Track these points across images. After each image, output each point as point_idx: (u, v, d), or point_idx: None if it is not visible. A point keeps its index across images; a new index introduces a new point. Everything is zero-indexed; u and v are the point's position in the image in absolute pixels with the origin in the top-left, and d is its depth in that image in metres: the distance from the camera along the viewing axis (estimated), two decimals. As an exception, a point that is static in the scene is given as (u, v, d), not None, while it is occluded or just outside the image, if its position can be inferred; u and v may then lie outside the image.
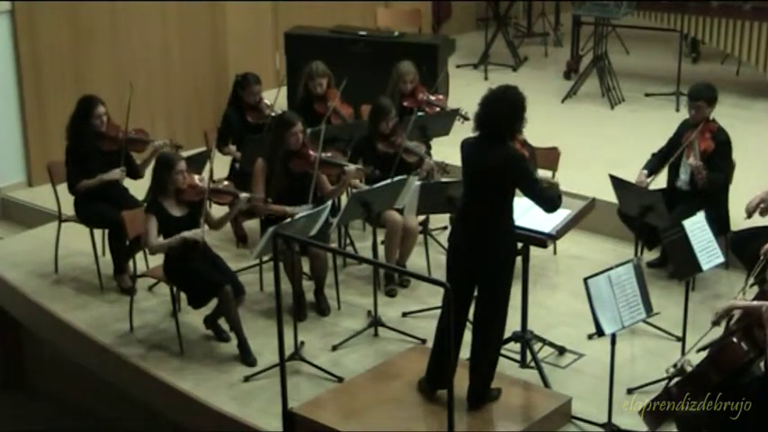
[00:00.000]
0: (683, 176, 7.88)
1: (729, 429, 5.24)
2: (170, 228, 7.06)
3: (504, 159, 5.97)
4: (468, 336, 6.27)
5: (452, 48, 11.11)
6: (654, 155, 8.05)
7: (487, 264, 6.04)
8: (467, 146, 6.18)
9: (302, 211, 7.13)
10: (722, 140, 7.80)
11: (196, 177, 7.25)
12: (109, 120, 8.03)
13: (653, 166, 7.95)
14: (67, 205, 8.18)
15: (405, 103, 8.86)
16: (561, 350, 7.03)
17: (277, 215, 7.37)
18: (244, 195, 7.28)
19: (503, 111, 6.00)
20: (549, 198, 6.18)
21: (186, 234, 7.00)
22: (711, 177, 7.66)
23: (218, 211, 7.60)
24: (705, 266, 6.57)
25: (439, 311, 6.57)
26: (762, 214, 7.23)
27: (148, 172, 8.11)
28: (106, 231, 8.06)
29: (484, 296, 6.14)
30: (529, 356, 6.84)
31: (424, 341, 7.08)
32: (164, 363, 7.11)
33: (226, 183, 7.55)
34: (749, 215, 7.27)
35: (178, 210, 7.12)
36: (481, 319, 6.18)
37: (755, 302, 5.61)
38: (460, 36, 12.66)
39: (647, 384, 6.52)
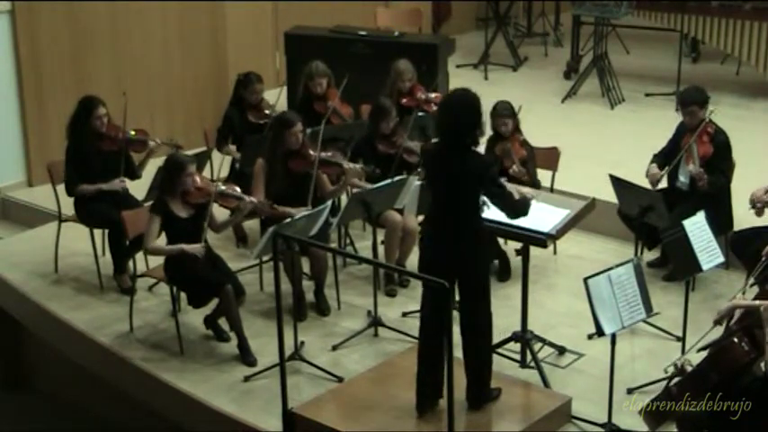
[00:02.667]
0: (683, 179, 7.87)
1: (729, 429, 5.24)
2: (174, 228, 7.06)
3: (471, 167, 5.88)
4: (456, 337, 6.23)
5: (452, 48, 11.11)
6: (655, 155, 8.05)
7: (466, 270, 5.93)
8: (429, 154, 6.12)
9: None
10: (721, 142, 7.79)
11: (198, 179, 7.23)
12: (109, 120, 8.03)
13: (659, 166, 7.92)
14: (67, 205, 8.18)
15: (403, 102, 8.86)
16: (561, 350, 7.02)
17: (279, 217, 7.36)
18: (251, 200, 7.27)
19: (462, 118, 5.89)
20: (513, 206, 6.12)
21: (186, 247, 6.99)
22: (713, 181, 7.65)
23: (221, 212, 7.58)
24: (705, 266, 6.57)
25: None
26: (758, 214, 7.22)
27: (146, 172, 8.15)
28: (106, 231, 8.06)
29: (467, 301, 6.08)
30: (529, 356, 6.83)
31: (424, 341, 7.07)
32: (164, 363, 7.11)
33: (225, 186, 7.53)
34: (753, 206, 7.21)
35: (183, 211, 7.11)
36: (468, 324, 6.13)
37: (757, 302, 5.60)
38: (460, 36, 12.65)
39: (647, 384, 6.52)
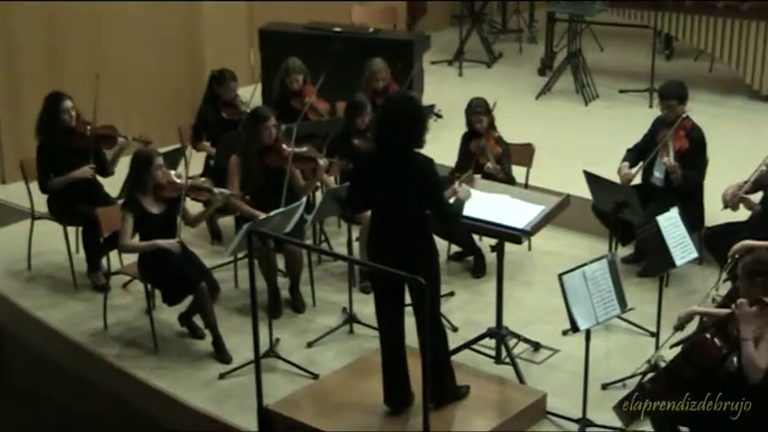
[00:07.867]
0: (658, 174, 7.91)
1: (704, 423, 5.27)
2: (148, 225, 7.04)
3: (419, 168, 5.84)
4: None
5: (427, 44, 11.11)
6: (629, 150, 8.08)
7: (420, 272, 5.52)
8: (370, 160, 6.07)
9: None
10: (696, 138, 7.84)
11: (173, 173, 7.22)
12: (78, 116, 7.98)
13: (631, 161, 7.96)
14: (41, 203, 8.14)
15: (378, 101, 8.84)
16: (536, 346, 7.04)
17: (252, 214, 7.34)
18: (221, 192, 7.26)
19: (411, 124, 5.83)
20: (448, 212, 6.05)
21: (160, 242, 6.98)
22: (687, 175, 7.70)
23: (193, 206, 7.56)
24: (679, 262, 6.59)
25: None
26: (732, 209, 7.26)
27: (119, 168, 8.11)
28: (80, 228, 8.02)
29: (419, 302, 5.94)
30: (504, 352, 6.85)
31: (399, 338, 7.07)
32: (139, 360, 7.09)
33: (203, 179, 7.53)
34: (726, 205, 7.25)
35: (156, 207, 7.09)
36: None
37: (715, 310, 5.66)
38: (435, 33, 12.66)
39: (621, 380, 6.54)
